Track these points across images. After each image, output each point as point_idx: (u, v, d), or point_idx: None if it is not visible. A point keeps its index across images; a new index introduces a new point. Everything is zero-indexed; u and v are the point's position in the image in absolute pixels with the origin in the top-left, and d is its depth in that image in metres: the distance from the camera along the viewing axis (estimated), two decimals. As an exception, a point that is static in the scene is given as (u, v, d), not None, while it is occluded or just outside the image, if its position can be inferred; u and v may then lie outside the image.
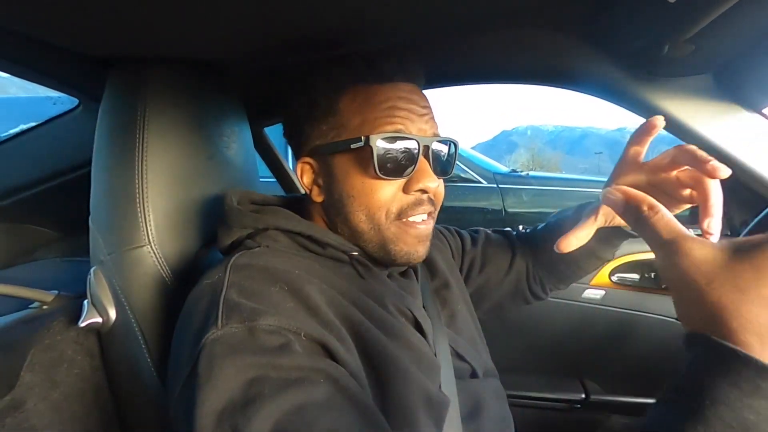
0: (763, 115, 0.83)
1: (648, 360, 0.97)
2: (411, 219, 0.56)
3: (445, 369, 0.58)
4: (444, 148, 0.59)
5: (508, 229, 0.85)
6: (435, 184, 0.56)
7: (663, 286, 0.94)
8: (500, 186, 3.00)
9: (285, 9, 0.55)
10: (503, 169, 3.42)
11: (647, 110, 0.85)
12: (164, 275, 0.63)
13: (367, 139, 0.52)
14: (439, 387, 0.55)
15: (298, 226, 0.56)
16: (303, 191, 0.63)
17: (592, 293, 0.98)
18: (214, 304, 0.44)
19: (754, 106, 0.82)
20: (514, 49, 0.81)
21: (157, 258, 0.62)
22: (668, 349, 0.94)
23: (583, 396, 0.98)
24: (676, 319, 0.96)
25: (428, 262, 0.72)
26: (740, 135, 0.82)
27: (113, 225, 0.64)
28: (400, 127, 0.54)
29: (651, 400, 1.01)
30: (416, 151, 0.54)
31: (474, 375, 0.66)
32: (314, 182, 0.60)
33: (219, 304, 0.44)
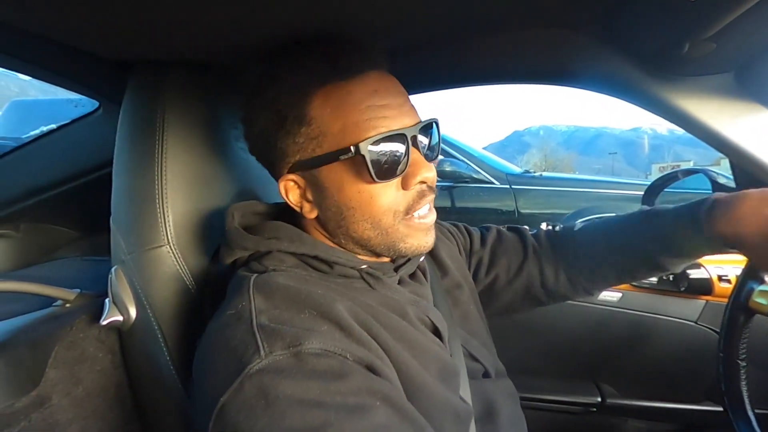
0: (787, 114, 0.81)
1: (664, 363, 0.96)
2: (416, 213, 0.55)
3: (462, 372, 0.58)
4: (428, 132, 0.56)
5: (525, 227, 0.81)
6: (432, 173, 0.54)
7: (682, 289, 0.92)
8: (513, 187, 2.98)
9: (297, 11, 0.56)
10: (516, 169, 3.39)
11: (666, 110, 0.83)
12: (183, 275, 0.64)
13: (357, 147, 0.49)
14: (459, 392, 0.55)
15: (302, 248, 0.54)
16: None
17: (609, 295, 0.96)
18: (249, 333, 0.42)
19: (776, 105, 0.80)
20: (531, 50, 0.81)
21: (176, 258, 0.64)
22: (684, 353, 0.93)
23: (599, 399, 0.96)
24: (694, 322, 0.95)
25: (438, 262, 0.71)
26: (762, 135, 0.80)
27: (133, 225, 0.65)
28: (384, 127, 0.50)
29: (668, 405, 1.00)
30: (406, 145, 0.51)
31: (486, 375, 0.66)
32: (303, 198, 0.56)
33: (255, 332, 0.42)
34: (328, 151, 0.51)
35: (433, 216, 0.58)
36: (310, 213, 0.56)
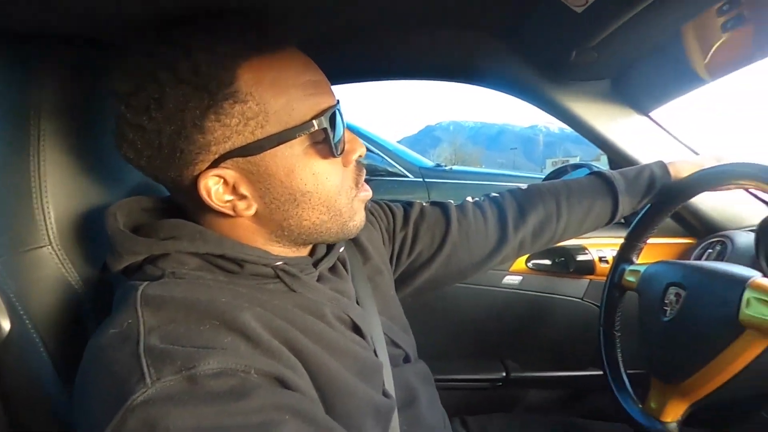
0: (650, 118, 0.95)
1: (558, 337, 1.08)
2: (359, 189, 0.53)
3: (385, 364, 0.58)
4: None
5: (450, 201, 0.81)
6: (364, 148, 0.53)
7: (570, 270, 1.04)
8: (426, 180, 3.10)
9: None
10: (429, 163, 3.54)
11: (557, 110, 0.93)
12: (70, 278, 0.56)
13: (319, 120, 0.45)
14: (383, 385, 0.55)
15: (205, 246, 0.46)
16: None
17: (511, 279, 1.06)
18: (134, 357, 0.36)
19: (643, 110, 0.94)
20: (446, 49, 0.84)
21: (60, 260, 0.55)
22: (573, 326, 1.05)
23: (504, 374, 1.05)
24: (580, 299, 1.08)
25: (359, 247, 0.69)
26: (632, 135, 0.93)
27: (5, 224, 0.55)
28: (325, 102, 0.47)
29: (561, 373, 1.13)
30: (341, 119, 0.49)
31: (407, 359, 0.67)
32: (234, 195, 0.48)
33: (140, 357, 0.36)
34: (275, 131, 0.45)
35: (370, 190, 0.56)
36: (247, 210, 0.48)
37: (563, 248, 1.05)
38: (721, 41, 0.76)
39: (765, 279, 0.54)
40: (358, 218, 0.54)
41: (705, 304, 0.60)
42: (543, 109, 0.95)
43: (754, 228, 0.79)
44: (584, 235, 0.94)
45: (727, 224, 0.96)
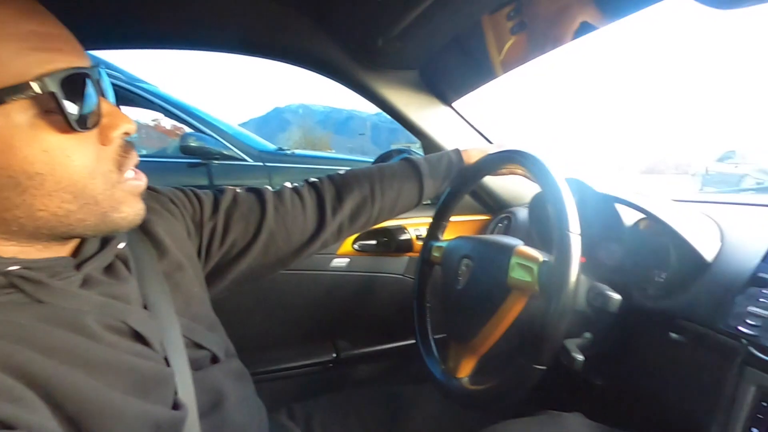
0: (453, 108, 1.06)
1: (385, 312, 1.15)
2: (126, 174, 0.45)
3: (181, 370, 0.52)
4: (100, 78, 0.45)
5: (267, 186, 0.76)
6: (134, 125, 0.44)
7: (393, 249, 1.11)
8: (267, 164, 2.97)
9: None
10: (270, 146, 3.39)
11: (373, 96, 0.96)
12: None
13: (43, 83, 0.36)
14: (175, 394, 0.49)
15: None
16: None
17: (339, 262, 1.08)
18: None
19: (447, 101, 1.04)
20: (245, 20, 0.78)
21: None
22: (397, 301, 1.14)
23: (335, 355, 1.08)
24: (402, 275, 1.17)
25: (154, 240, 0.60)
26: (438, 124, 1.02)
27: None
28: (61, 61, 0.38)
29: (387, 345, 1.22)
30: (93, 87, 0.41)
31: (215, 360, 0.62)
32: None
33: None
34: None
35: (145, 179, 0.48)
36: None
37: (386, 229, 1.11)
38: (511, 42, 0.87)
39: (526, 247, 0.65)
40: (128, 210, 0.45)
41: (485, 272, 0.69)
42: (360, 94, 0.97)
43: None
44: (405, 216, 1.01)
45: (513, 202, 1.14)
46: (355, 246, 1.09)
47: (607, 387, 0.76)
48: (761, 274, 0.54)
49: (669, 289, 0.67)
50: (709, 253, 0.63)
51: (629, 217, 0.77)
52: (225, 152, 2.82)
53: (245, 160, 2.90)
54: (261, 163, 2.95)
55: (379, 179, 0.80)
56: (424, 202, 0.84)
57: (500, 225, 1.10)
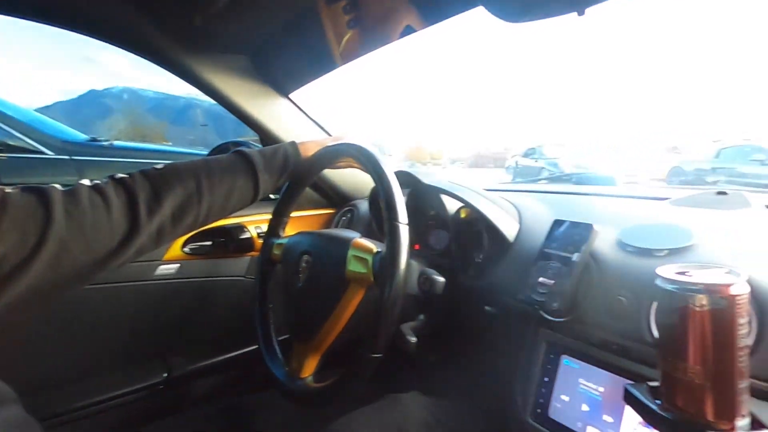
0: (291, 99, 1.02)
1: (225, 319, 1.05)
2: None
3: None
4: None
5: (54, 185, 0.60)
6: None
7: (231, 250, 1.03)
8: (75, 158, 2.45)
9: None
10: (80, 136, 2.81)
11: (199, 83, 0.86)
12: None
13: None
14: None
15: None
16: None
17: (166, 268, 0.94)
18: None
19: (284, 91, 0.99)
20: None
21: None
22: (239, 305, 1.05)
23: (166, 375, 0.94)
24: (243, 276, 1.09)
25: None
26: (275, 115, 0.97)
27: None
28: None
29: (229, 355, 1.12)
30: None
31: None
32: None
33: None
34: None
35: None
36: None
37: (223, 228, 1.02)
38: (348, 35, 0.87)
39: (362, 239, 0.66)
40: None
41: (324, 266, 0.68)
42: (184, 80, 0.86)
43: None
44: (244, 213, 0.93)
45: (355, 194, 1.16)
46: (186, 249, 0.97)
47: (438, 362, 0.83)
48: (546, 250, 0.65)
49: (484, 268, 0.76)
50: (511, 234, 0.73)
51: (453, 206, 0.85)
52: (11, 143, 2.23)
53: (43, 153, 2.34)
54: (66, 157, 2.43)
55: (207, 174, 0.72)
56: (263, 198, 0.79)
57: (344, 218, 1.12)
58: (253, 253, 1.06)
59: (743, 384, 0.38)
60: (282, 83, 0.98)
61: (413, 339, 0.63)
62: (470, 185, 0.82)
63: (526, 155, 11.74)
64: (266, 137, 0.98)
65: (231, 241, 1.02)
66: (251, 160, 0.76)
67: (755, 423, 0.38)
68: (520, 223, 0.76)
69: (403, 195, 0.63)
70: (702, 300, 0.37)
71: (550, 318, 0.61)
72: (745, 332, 0.37)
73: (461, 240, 0.82)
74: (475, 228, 0.80)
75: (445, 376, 0.83)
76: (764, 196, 0.71)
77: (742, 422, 0.38)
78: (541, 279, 0.63)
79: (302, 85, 1.03)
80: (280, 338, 0.80)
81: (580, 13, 0.43)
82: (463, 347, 0.79)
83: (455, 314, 0.78)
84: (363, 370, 0.58)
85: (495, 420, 0.68)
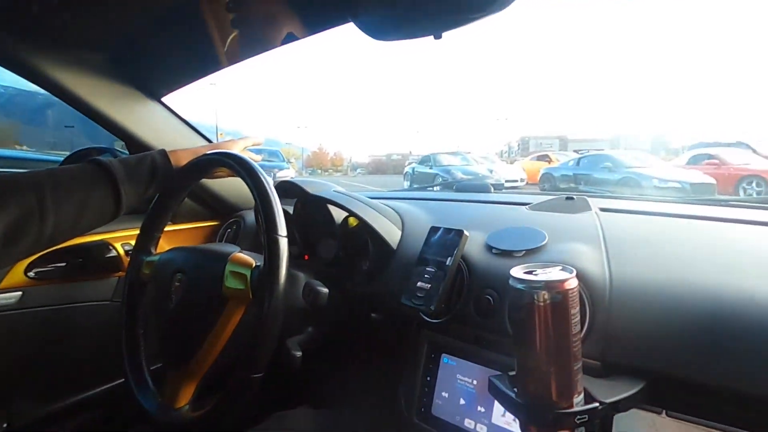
0: (163, 104, 0.93)
1: (87, 351, 0.91)
2: None
3: None
4: None
5: None
6: None
7: (93, 271, 0.90)
8: None
9: None
10: None
11: (43, 80, 0.74)
12: None
13: None
14: None
15: None
16: None
17: (5, 297, 0.79)
18: None
19: (154, 94, 0.91)
20: None
21: None
22: (105, 333, 0.91)
23: (6, 425, 0.79)
24: (110, 300, 0.96)
25: None
26: (143, 120, 0.88)
27: None
28: None
29: (94, 391, 0.95)
30: None
31: None
32: None
33: None
34: None
35: None
36: None
37: (80, 247, 0.89)
38: (233, 35, 0.82)
39: (241, 253, 0.62)
40: None
41: (200, 284, 0.63)
42: (21, 75, 0.74)
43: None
44: (108, 229, 0.82)
45: (241, 205, 1.10)
46: (30, 274, 0.83)
47: (327, 374, 0.83)
48: (424, 255, 0.68)
49: (370, 275, 0.77)
50: (394, 241, 0.76)
51: (340, 215, 0.86)
52: None
53: None
54: None
55: (52, 187, 0.62)
56: (130, 212, 0.70)
57: (229, 231, 1.05)
58: (120, 273, 0.94)
59: (578, 365, 0.43)
60: (152, 85, 0.89)
61: (298, 353, 0.62)
62: (356, 194, 0.83)
63: (421, 162, 12.43)
64: (133, 144, 0.88)
65: (92, 261, 0.90)
66: (110, 170, 0.67)
67: (587, 397, 0.45)
68: (403, 230, 0.79)
69: (291, 205, 0.62)
70: (544, 295, 0.42)
71: (428, 320, 0.65)
72: (577, 320, 0.43)
73: (349, 249, 0.83)
74: (361, 236, 0.81)
75: (335, 387, 0.82)
76: (601, 200, 0.83)
77: (578, 398, 0.44)
78: (419, 283, 0.66)
79: (178, 88, 0.95)
80: (152, 367, 0.72)
81: (437, 36, 0.46)
82: (351, 356, 0.80)
83: (343, 324, 0.79)
84: (242, 393, 0.55)
85: (384, 424, 0.70)
